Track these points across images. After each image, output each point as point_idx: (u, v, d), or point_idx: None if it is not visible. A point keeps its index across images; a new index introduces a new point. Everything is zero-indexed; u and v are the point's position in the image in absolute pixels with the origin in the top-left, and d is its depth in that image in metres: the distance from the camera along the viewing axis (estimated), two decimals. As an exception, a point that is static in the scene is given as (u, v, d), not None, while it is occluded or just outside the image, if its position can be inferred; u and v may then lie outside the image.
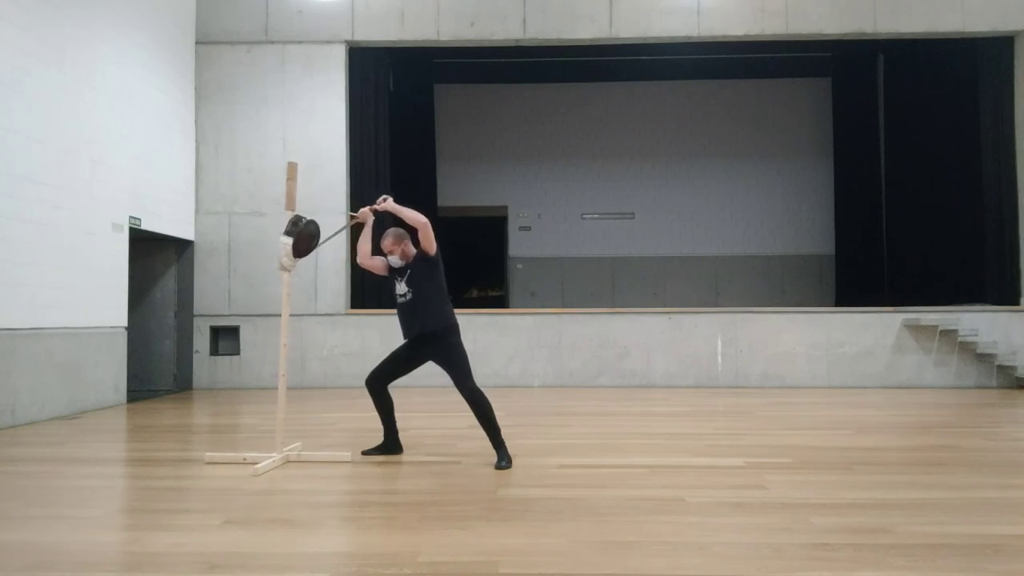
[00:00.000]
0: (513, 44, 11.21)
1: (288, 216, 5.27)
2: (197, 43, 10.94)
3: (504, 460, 5.06)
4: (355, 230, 5.87)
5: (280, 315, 5.61)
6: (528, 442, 6.04)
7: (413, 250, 5.24)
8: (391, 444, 5.52)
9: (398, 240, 5.22)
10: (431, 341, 5.15)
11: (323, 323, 10.78)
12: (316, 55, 10.96)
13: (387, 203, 5.15)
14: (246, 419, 8.09)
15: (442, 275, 5.22)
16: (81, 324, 8.25)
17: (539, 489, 4.47)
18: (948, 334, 10.52)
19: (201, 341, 10.77)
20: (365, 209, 5.34)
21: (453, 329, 5.17)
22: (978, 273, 11.71)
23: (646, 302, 14.45)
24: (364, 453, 5.50)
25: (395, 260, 5.22)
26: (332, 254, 10.70)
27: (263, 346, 10.72)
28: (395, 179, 12.26)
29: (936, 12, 10.80)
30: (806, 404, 8.87)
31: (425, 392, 9.88)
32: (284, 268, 5.26)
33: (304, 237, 5.26)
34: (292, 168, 5.42)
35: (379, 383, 5.36)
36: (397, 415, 5.52)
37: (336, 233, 6.41)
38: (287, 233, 5.19)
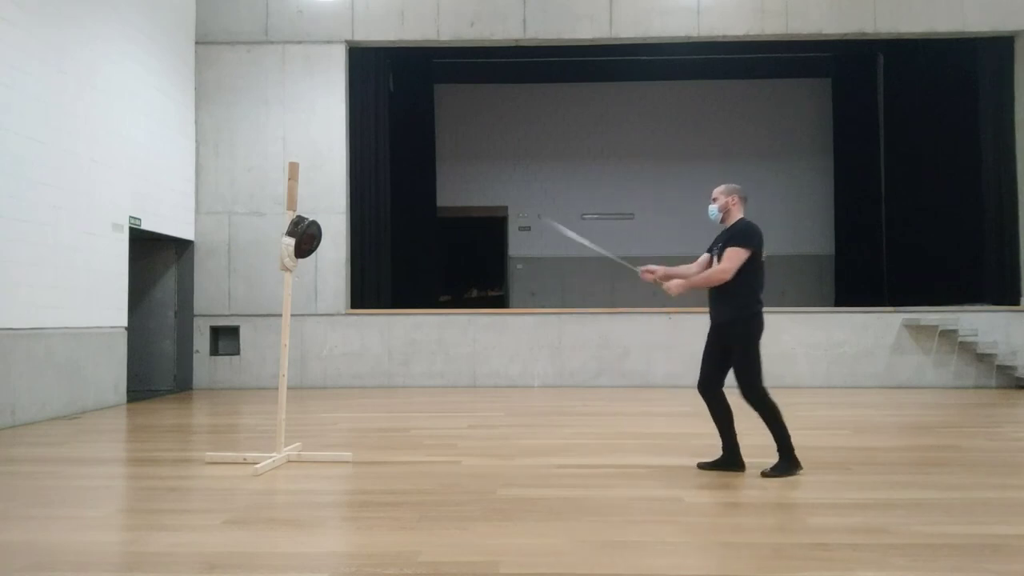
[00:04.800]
0: (513, 44, 11.21)
1: (290, 217, 5.28)
2: (197, 43, 10.94)
3: (774, 469, 4.67)
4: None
5: (280, 315, 5.61)
6: (528, 442, 6.04)
7: (736, 215, 4.85)
8: (730, 458, 4.85)
9: (727, 192, 4.91)
10: (726, 332, 4.74)
11: (323, 323, 10.78)
12: (316, 55, 10.96)
13: (672, 284, 4.78)
14: (246, 419, 8.09)
15: (752, 270, 4.67)
16: (81, 324, 8.25)
17: (539, 489, 4.47)
18: (948, 334, 10.52)
19: (201, 341, 10.77)
20: (647, 272, 4.97)
21: (743, 321, 4.65)
22: (978, 273, 11.70)
23: (646, 302, 14.40)
24: (699, 466, 4.95)
25: (713, 210, 4.91)
26: (332, 254, 10.70)
27: (263, 346, 10.72)
28: (395, 179, 12.25)
29: (936, 12, 10.80)
30: (806, 404, 8.87)
31: (425, 392, 9.91)
32: (286, 268, 5.27)
33: (306, 238, 5.27)
34: (294, 168, 5.43)
35: (705, 387, 4.85)
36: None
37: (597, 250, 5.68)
38: (289, 234, 5.20)
